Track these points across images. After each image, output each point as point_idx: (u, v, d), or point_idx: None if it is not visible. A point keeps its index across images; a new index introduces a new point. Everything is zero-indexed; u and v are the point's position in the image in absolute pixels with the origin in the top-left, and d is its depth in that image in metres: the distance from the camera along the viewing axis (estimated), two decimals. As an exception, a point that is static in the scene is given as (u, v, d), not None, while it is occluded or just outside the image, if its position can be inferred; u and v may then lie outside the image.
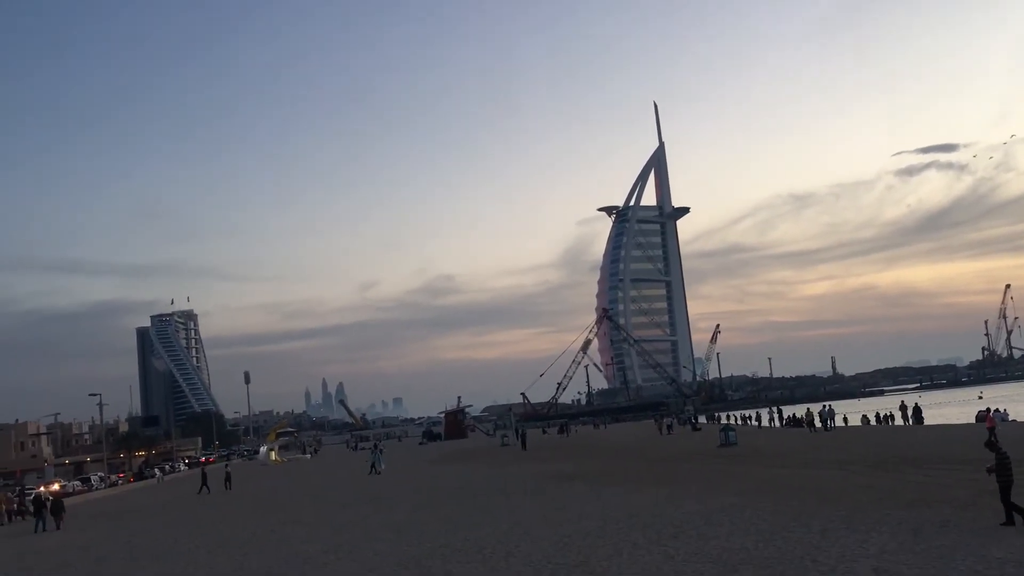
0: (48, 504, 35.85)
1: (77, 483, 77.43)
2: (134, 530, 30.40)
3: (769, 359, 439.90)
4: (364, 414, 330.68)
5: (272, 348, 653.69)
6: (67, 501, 42.41)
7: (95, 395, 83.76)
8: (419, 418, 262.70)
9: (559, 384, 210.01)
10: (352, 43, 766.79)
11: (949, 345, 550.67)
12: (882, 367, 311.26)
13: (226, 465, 69.99)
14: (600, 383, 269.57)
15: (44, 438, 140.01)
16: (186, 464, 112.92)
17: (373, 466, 52.27)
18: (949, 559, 12.70)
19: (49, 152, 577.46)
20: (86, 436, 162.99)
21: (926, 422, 59.79)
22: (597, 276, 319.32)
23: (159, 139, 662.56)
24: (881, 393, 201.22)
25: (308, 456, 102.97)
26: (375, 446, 65.27)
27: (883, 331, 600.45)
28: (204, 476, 52.36)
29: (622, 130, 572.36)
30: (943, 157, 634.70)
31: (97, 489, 74.76)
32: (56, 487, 60.50)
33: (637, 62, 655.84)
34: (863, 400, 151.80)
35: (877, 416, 67.30)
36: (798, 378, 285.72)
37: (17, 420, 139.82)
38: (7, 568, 23.14)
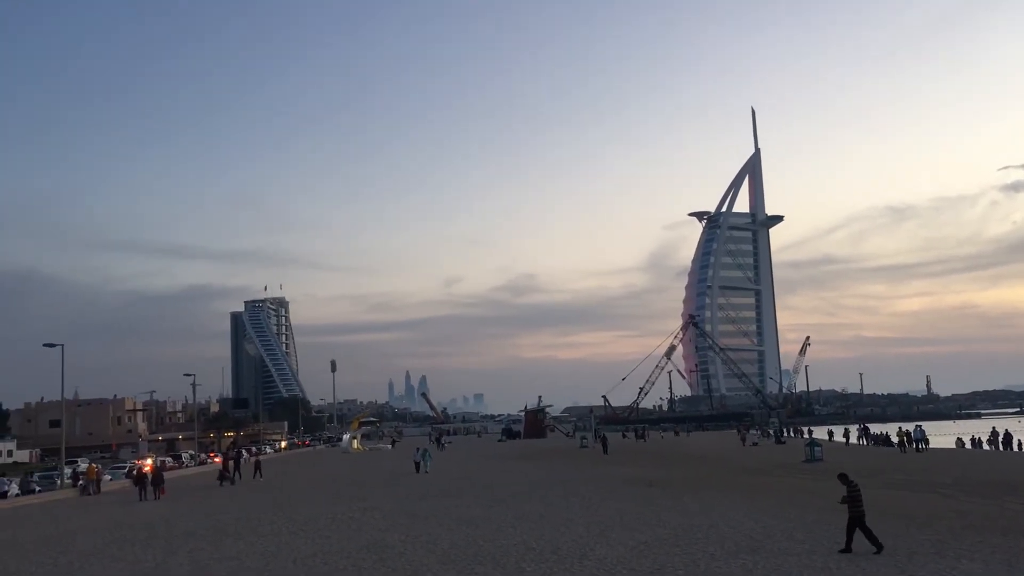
0: (149, 477, 39.81)
1: (168, 459, 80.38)
2: (221, 507, 31.42)
3: (860, 375, 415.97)
4: (445, 408, 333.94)
5: (356, 338, 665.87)
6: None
7: (189, 375, 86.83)
8: (499, 415, 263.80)
9: (641, 389, 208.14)
10: (444, 47, 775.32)
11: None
12: (980, 389, 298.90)
13: (256, 454, 72.52)
14: (683, 390, 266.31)
15: (140, 414, 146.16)
16: (272, 448, 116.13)
17: (418, 466, 47.32)
18: (1045, 593, 12.14)
19: (158, 144, 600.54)
20: (179, 414, 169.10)
21: (1025, 449, 57.27)
22: (684, 281, 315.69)
23: (262, 135, 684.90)
24: (978, 416, 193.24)
25: (389, 446, 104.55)
26: (430, 437, 63.03)
27: (982, 351, 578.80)
28: (226, 464, 50.02)
29: (716, 135, 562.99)
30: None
31: (187, 466, 77.48)
32: (149, 462, 62.76)
33: (735, 67, 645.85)
34: (958, 422, 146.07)
35: (973, 440, 64.80)
36: (890, 396, 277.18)
37: (115, 396, 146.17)
38: (97, 537, 24.08)
